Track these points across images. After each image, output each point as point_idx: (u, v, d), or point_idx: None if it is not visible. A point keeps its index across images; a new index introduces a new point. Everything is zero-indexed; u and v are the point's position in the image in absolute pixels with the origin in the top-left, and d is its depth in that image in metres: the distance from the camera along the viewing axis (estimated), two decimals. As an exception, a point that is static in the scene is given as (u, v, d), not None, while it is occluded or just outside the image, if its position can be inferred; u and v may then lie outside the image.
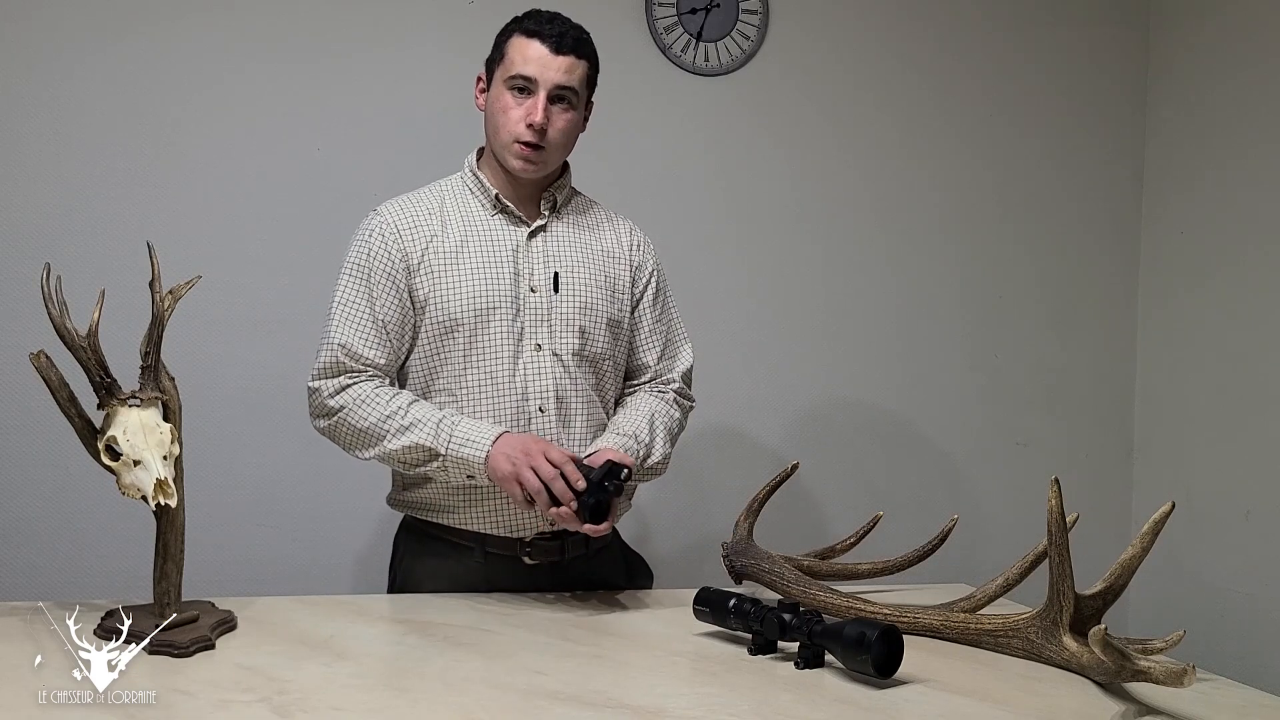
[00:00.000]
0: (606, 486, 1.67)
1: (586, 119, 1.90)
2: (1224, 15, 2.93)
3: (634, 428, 1.84)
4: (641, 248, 1.99)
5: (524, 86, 1.79)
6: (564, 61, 1.79)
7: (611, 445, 1.79)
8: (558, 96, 1.80)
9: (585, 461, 1.72)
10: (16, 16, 2.50)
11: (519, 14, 1.85)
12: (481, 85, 1.88)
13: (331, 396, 1.78)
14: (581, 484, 1.65)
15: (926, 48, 3.03)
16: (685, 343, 2.04)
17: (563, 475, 1.66)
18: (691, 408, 2.03)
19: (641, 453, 1.82)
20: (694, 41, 2.86)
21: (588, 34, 1.85)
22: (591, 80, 1.87)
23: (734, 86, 2.90)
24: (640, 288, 1.96)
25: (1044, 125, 3.12)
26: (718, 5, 2.86)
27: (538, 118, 1.77)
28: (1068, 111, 3.13)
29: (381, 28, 2.69)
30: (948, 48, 3.05)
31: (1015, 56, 3.09)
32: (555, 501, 1.66)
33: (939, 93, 3.05)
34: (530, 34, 1.79)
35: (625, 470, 1.69)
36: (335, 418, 1.78)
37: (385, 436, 1.75)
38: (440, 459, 1.74)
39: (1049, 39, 3.11)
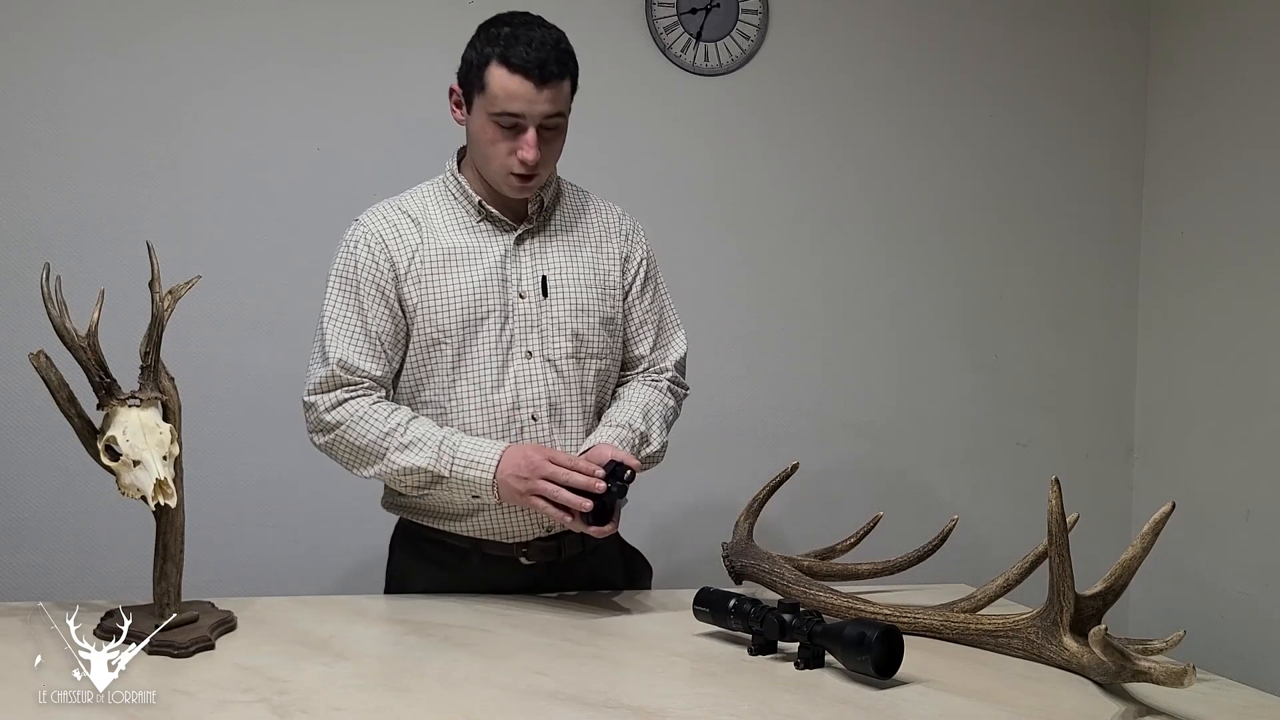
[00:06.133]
0: (611, 489, 1.64)
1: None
2: (1224, 15, 2.93)
3: (627, 417, 1.81)
4: (631, 235, 1.93)
5: (512, 124, 1.71)
6: (549, 93, 1.70)
7: (606, 437, 1.77)
8: (547, 125, 1.73)
9: (584, 459, 1.69)
10: (17, 16, 2.50)
11: (493, 28, 1.73)
12: (457, 98, 1.79)
13: (328, 411, 1.74)
14: (600, 486, 1.63)
15: (926, 48, 3.03)
16: (678, 329, 1.99)
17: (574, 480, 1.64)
18: (686, 395, 2.00)
19: (637, 441, 1.80)
20: (694, 41, 2.86)
21: (566, 42, 1.74)
22: (575, 86, 1.78)
23: (734, 86, 2.90)
24: (630, 277, 1.91)
25: (1044, 125, 3.11)
26: (718, 5, 2.86)
27: (531, 155, 1.71)
28: (1068, 111, 3.12)
29: (381, 28, 2.69)
30: (947, 48, 3.04)
31: (1015, 57, 3.09)
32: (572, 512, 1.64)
33: (939, 93, 3.05)
34: (511, 69, 1.68)
35: (629, 471, 1.66)
36: (333, 434, 1.74)
37: (385, 455, 1.72)
38: (444, 482, 1.71)
39: (1049, 39, 3.11)
